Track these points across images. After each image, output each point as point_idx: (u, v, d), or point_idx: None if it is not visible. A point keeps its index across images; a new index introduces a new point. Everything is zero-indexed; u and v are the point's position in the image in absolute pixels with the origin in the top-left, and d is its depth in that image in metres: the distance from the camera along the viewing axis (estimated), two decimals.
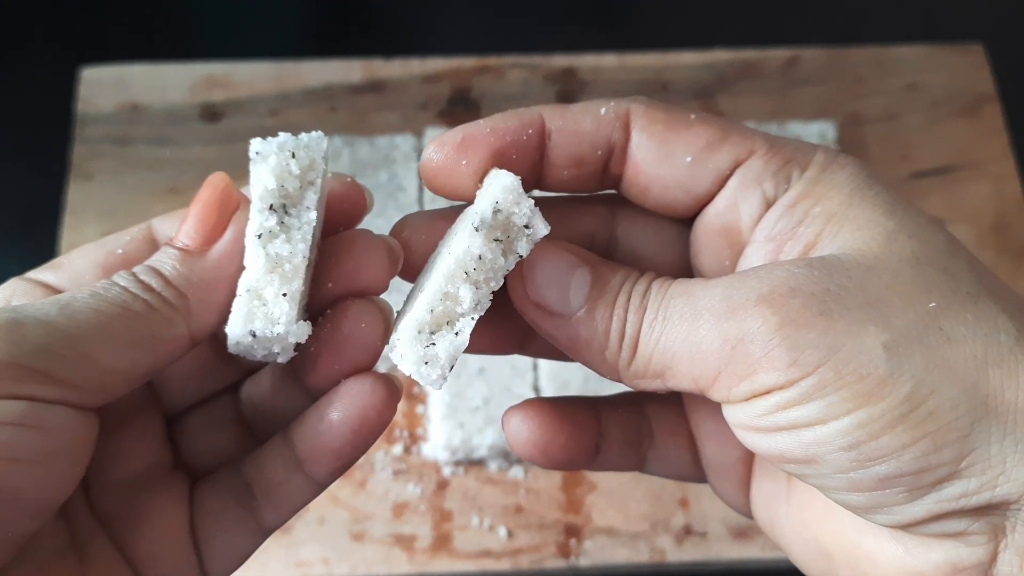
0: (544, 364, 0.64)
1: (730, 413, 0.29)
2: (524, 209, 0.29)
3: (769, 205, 0.30)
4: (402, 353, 0.29)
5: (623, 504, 0.63)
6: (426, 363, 0.29)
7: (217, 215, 0.30)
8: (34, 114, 0.78)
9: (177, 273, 0.29)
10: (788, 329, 0.26)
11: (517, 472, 0.63)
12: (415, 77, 0.77)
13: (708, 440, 0.35)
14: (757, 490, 0.35)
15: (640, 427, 0.36)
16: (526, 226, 0.29)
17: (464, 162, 0.30)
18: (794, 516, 0.33)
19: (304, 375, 0.31)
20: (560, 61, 0.78)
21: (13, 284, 0.31)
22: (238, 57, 0.77)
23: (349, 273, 0.31)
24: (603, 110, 0.31)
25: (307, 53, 0.78)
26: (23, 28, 0.82)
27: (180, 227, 0.30)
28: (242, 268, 0.30)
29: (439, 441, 0.62)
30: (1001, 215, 0.73)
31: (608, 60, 0.78)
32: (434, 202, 0.69)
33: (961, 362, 0.26)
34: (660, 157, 0.31)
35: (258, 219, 0.30)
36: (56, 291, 0.31)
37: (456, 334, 0.29)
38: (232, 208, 0.31)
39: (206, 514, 0.32)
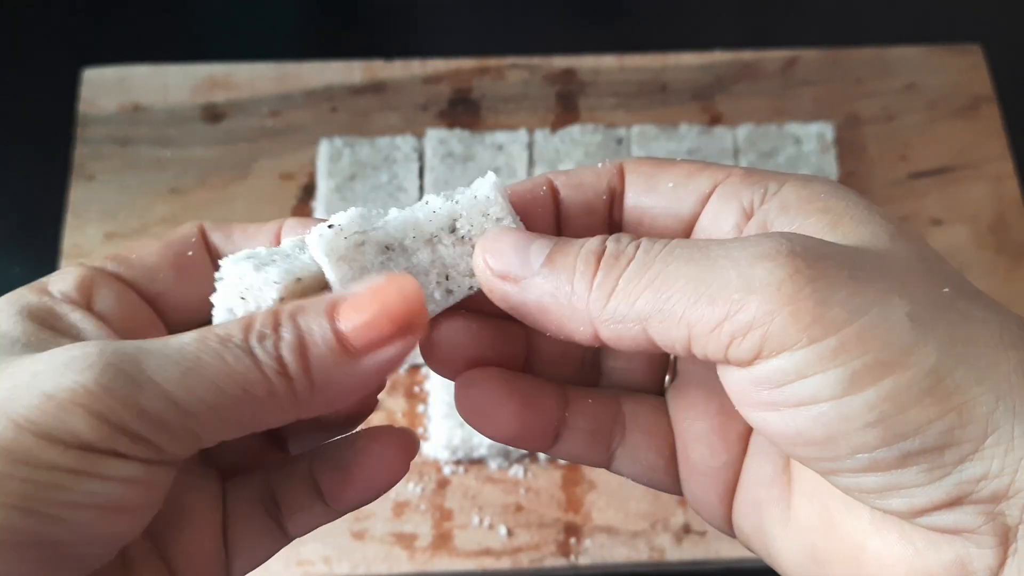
0: None
1: (734, 383, 0.27)
2: (501, 204, 0.31)
3: (747, 214, 0.30)
4: None
5: (623, 503, 0.63)
6: None
7: (392, 330, 0.27)
8: (36, 114, 0.78)
9: (322, 365, 0.27)
10: (820, 283, 0.25)
11: (517, 471, 0.64)
12: (416, 78, 0.77)
13: (695, 442, 0.34)
14: (744, 498, 0.33)
15: (612, 421, 0.34)
16: (499, 219, 0.31)
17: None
18: (792, 524, 0.32)
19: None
20: (560, 62, 0.78)
21: (89, 274, 0.30)
22: (239, 58, 0.78)
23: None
24: (600, 165, 0.33)
25: (308, 54, 0.78)
26: (24, 28, 0.82)
27: (352, 311, 0.27)
28: (381, 389, 0.30)
29: (439, 440, 0.62)
30: (999, 215, 0.74)
31: (608, 61, 0.78)
32: None
33: (982, 339, 0.25)
34: (647, 189, 0.32)
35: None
36: (130, 285, 0.31)
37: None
38: (410, 329, 0.27)
39: (238, 518, 0.32)
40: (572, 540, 0.62)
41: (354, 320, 0.27)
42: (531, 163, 0.71)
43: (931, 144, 0.76)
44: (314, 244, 0.29)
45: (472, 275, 0.31)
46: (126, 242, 0.70)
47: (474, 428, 0.33)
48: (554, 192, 0.33)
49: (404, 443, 0.33)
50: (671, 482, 0.35)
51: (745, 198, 0.30)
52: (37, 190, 0.75)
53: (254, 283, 0.29)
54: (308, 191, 0.73)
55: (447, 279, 0.31)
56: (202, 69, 0.77)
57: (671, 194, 0.32)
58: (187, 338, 0.26)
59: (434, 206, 0.31)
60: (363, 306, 0.27)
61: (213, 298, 0.30)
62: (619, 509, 0.63)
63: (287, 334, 0.27)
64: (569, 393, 0.34)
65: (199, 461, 0.33)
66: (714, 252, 0.27)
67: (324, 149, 0.72)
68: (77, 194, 0.72)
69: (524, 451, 0.63)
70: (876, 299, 0.25)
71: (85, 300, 0.30)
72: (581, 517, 0.63)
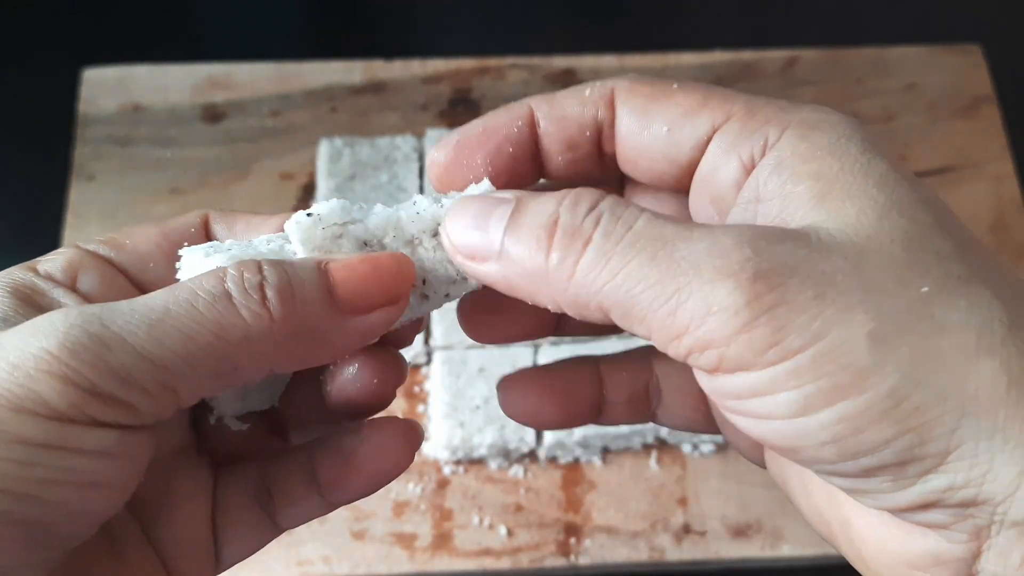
0: (544, 363, 0.64)
1: (703, 383, 0.27)
2: None
3: (747, 169, 0.29)
4: None
5: (623, 503, 0.63)
6: None
7: (381, 292, 0.28)
8: (36, 115, 0.78)
9: (308, 311, 0.26)
10: (780, 310, 0.25)
11: (517, 471, 0.64)
12: (415, 78, 0.77)
13: None
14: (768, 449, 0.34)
15: (647, 387, 0.35)
16: None
17: (464, 162, 0.31)
18: (800, 479, 0.32)
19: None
20: (560, 62, 0.78)
21: (78, 254, 0.30)
22: (239, 58, 0.78)
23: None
24: (588, 91, 0.31)
25: (308, 54, 0.78)
26: (24, 28, 0.82)
27: (344, 271, 0.27)
28: (353, 350, 0.29)
29: (439, 440, 0.62)
30: (999, 215, 0.74)
31: (608, 61, 0.78)
32: None
33: (951, 353, 0.25)
34: (640, 129, 0.30)
35: None
36: (119, 269, 0.30)
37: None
38: (395, 299, 0.28)
39: (228, 507, 0.32)
40: (572, 540, 0.62)
41: (344, 275, 0.27)
42: None
43: (931, 144, 0.76)
44: (291, 230, 0.29)
45: (451, 283, 0.30)
46: None
47: (524, 425, 0.35)
48: (533, 125, 0.31)
49: (409, 433, 0.32)
50: (712, 428, 0.35)
51: (744, 151, 0.29)
52: (37, 190, 0.75)
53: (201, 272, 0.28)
54: (308, 191, 0.73)
55: (423, 283, 0.30)
56: (202, 69, 0.77)
57: (666, 139, 0.30)
58: (156, 292, 0.26)
59: (420, 207, 0.30)
60: (355, 265, 0.28)
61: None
62: (619, 509, 0.63)
63: (273, 276, 0.26)
64: (602, 368, 0.35)
65: (192, 448, 0.32)
66: (679, 253, 0.25)
67: (324, 149, 0.72)
68: (77, 194, 0.72)
69: (524, 451, 0.63)
70: (837, 319, 0.25)
71: (70, 280, 0.29)
72: (581, 517, 0.63)
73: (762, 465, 0.35)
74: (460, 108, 0.76)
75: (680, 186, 0.31)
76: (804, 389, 0.25)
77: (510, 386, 0.34)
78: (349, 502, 0.32)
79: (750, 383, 0.25)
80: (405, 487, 0.63)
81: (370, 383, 0.31)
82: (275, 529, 0.33)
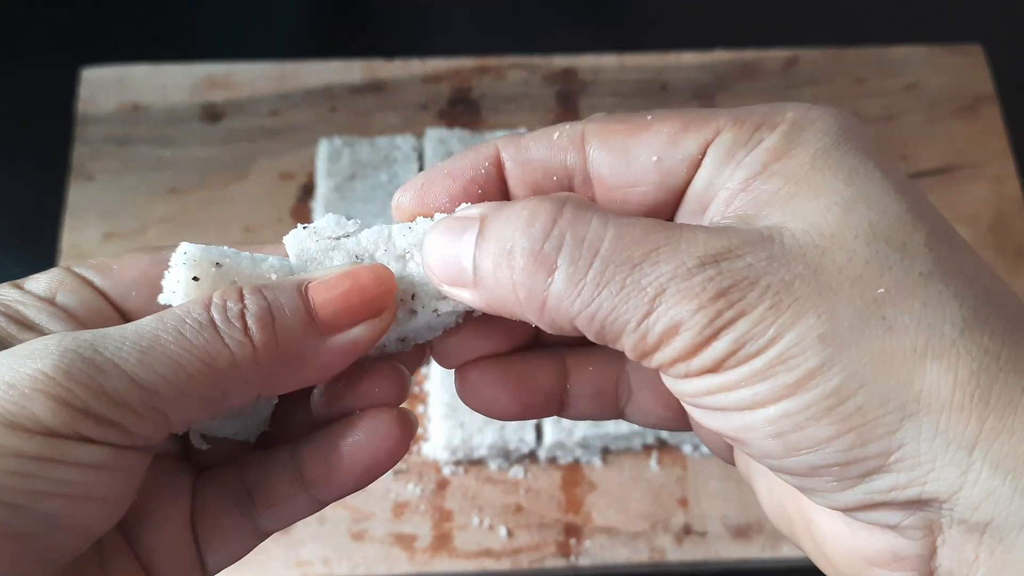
0: None
1: (668, 385, 0.28)
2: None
3: (751, 179, 0.29)
4: None
5: (623, 504, 0.63)
6: None
7: (362, 307, 0.28)
8: (35, 114, 0.78)
9: (290, 336, 0.27)
10: (740, 323, 0.26)
11: (517, 472, 0.64)
12: (415, 77, 0.77)
13: None
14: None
15: (617, 381, 0.35)
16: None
17: (431, 204, 0.31)
18: (763, 477, 0.33)
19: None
20: (560, 61, 0.78)
21: (61, 275, 0.30)
22: (239, 57, 0.77)
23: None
24: (556, 135, 0.31)
25: (307, 53, 0.78)
26: (23, 28, 0.82)
27: (324, 289, 0.28)
28: (342, 369, 0.29)
29: (439, 441, 0.62)
30: (1000, 215, 0.73)
31: (608, 60, 0.78)
32: None
33: (899, 355, 0.25)
34: (625, 165, 0.30)
35: None
36: (101, 293, 0.30)
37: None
38: (379, 309, 0.29)
39: (208, 512, 0.31)
40: (572, 541, 0.62)
41: (324, 295, 0.28)
42: None
43: (932, 144, 0.76)
44: (288, 242, 0.30)
45: (440, 298, 0.30)
46: (125, 242, 0.70)
47: (478, 412, 0.34)
48: (500, 166, 0.31)
49: (401, 422, 0.31)
50: (682, 426, 0.36)
51: (741, 157, 0.29)
52: (36, 189, 0.75)
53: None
54: (307, 191, 0.73)
55: (412, 299, 0.30)
56: (201, 68, 0.77)
57: (656, 168, 0.30)
58: (145, 320, 0.26)
59: (412, 223, 0.30)
60: (334, 283, 0.28)
61: (161, 297, 0.29)
62: (619, 510, 0.63)
63: (254, 304, 0.27)
64: (569, 363, 0.35)
65: (173, 454, 0.32)
66: (646, 279, 0.26)
67: (323, 149, 0.72)
68: (76, 194, 0.72)
69: (524, 452, 0.63)
70: (791, 324, 0.25)
71: (50, 297, 0.30)
72: (581, 518, 0.63)
73: (731, 461, 0.35)
74: (460, 108, 0.76)
75: (669, 212, 0.31)
76: (755, 388, 0.26)
77: (467, 374, 0.33)
78: (337, 499, 0.32)
79: (708, 384, 0.27)
80: (405, 488, 0.63)
81: (370, 391, 0.31)
82: (259, 534, 0.32)
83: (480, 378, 0.33)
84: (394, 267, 0.30)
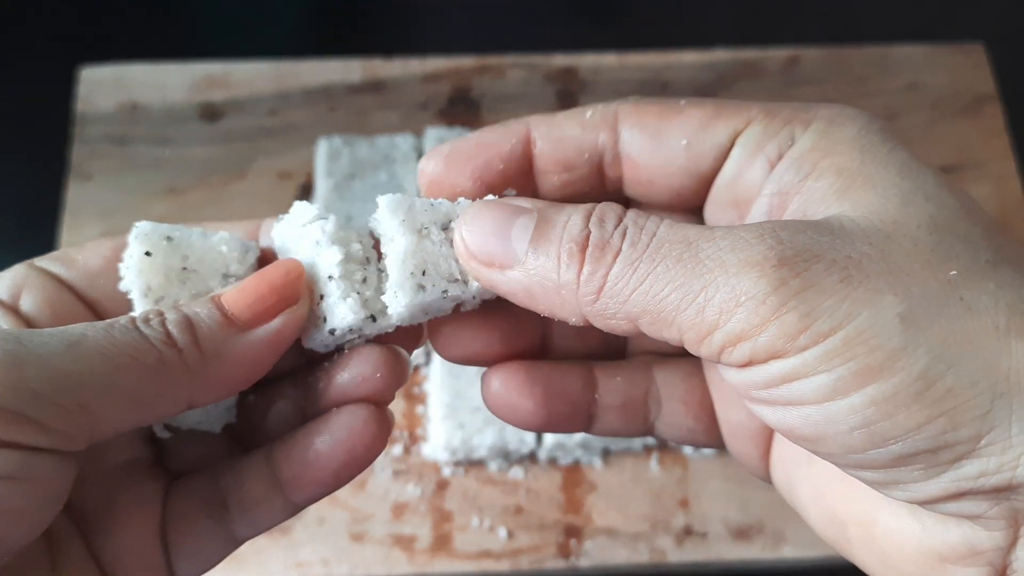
0: None
1: (729, 376, 0.27)
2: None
3: (774, 166, 0.29)
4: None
5: (623, 504, 0.63)
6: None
7: (276, 299, 0.29)
8: (33, 113, 0.77)
9: (210, 337, 0.28)
10: (808, 294, 0.25)
11: (517, 472, 0.63)
12: (415, 77, 0.77)
13: (729, 406, 0.34)
14: (777, 455, 0.34)
15: (646, 393, 0.34)
16: None
17: (454, 173, 0.31)
18: (812, 483, 0.32)
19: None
20: (560, 61, 0.78)
21: (24, 272, 0.30)
22: (237, 57, 0.77)
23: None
24: (589, 114, 0.31)
25: (306, 53, 0.78)
26: (22, 27, 0.82)
27: (235, 292, 0.29)
28: (274, 361, 0.29)
29: (439, 441, 0.62)
30: (1002, 215, 0.73)
31: (608, 60, 0.78)
32: None
33: (982, 334, 0.25)
34: (656, 147, 0.30)
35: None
36: (67, 286, 0.30)
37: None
38: (293, 298, 0.29)
39: (178, 520, 0.31)
40: (572, 542, 0.62)
41: (236, 297, 0.28)
42: None
43: (934, 143, 0.76)
44: (272, 237, 0.32)
45: (451, 281, 0.30)
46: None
47: (503, 420, 0.33)
48: (528, 143, 0.31)
49: (377, 418, 0.30)
50: (713, 441, 0.35)
51: (771, 150, 0.29)
52: (35, 189, 0.74)
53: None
54: (306, 190, 0.72)
55: (423, 274, 0.30)
56: (200, 68, 0.77)
57: (685, 152, 0.30)
58: (76, 324, 0.26)
59: (437, 200, 0.31)
60: (244, 286, 0.29)
61: (120, 284, 0.30)
62: (620, 511, 0.63)
63: (172, 315, 0.28)
64: (597, 373, 0.34)
65: (145, 461, 0.32)
66: (703, 253, 0.26)
67: (323, 148, 0.71)
68: (74, 193, 0.72)
69: (524, 453, 0.63)
70: (867, 301, 0.25)
71: (13, 301, 0.29)
72: (581, 519, 0.62)
73: (765, 476, 0.34)
74: (460, 107, 0.76)
75: (695, 200, 0.31)
76: (835, 372, 0.24)
77: (494, 376, 0.33)
78: (314, 500, 0.31)
79: (781, 369, 0.25)
80: (404, 488, 0.63)
81: (371, 376, 0.30)
82: (232, 541, 0.31)
83: (504, 383, 0.33)
84: (409, 240, 0.30)
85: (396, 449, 0.64)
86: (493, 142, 0.31)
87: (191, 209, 0.71)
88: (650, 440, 0.64)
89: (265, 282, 0.29)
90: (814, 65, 0.78)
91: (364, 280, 0.30)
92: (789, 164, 0.28)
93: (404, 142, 0.72)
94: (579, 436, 0.62)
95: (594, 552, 0.62)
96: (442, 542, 0.61)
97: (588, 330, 0.32)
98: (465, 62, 0.78)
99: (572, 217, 0.28)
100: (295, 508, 0.31)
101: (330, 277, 0.30)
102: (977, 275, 0.25)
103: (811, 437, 0.26)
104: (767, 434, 0.34)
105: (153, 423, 0.28)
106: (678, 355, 0.35)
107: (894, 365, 0.24)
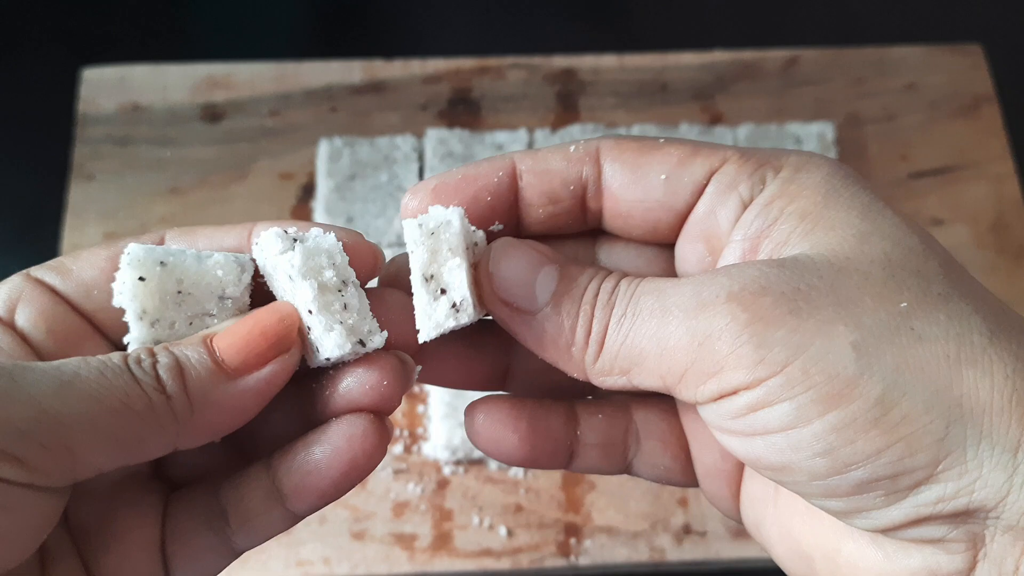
0: None
1: (704, 413, 0.29)
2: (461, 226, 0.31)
3: (746, 206, 0.30)
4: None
5: (623, 503, 0.63)
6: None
7: (267, 347, 0.28)
8: (35, 114, 0.78)
9: (199, 385, 0.27)
10: (757, 326, 0.26)
11: (517, 472, 0.64)
12: (415, 78, 0.77)
13: (703, 447, 0.35)
14: (746, 493, 0.35)
15: (625, 432, 0.35)
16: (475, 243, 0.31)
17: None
18: (779, 519, 0.33)
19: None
20: (560, 61, 0.78)
21: (19, 284, 0.30)
22: (239, 58, 0.77)
23: (384, 328, 0.30)
24: (573, 148, 0.32)
25: (308, 54, 0.78)
26: (24, 28, 0.82)
27: (227, 336, 0.28)
28: (261, 408, 0.29)
29: (439, 440, 0.62)
30: (1000, 215, 0.73)
31: (608, 60, 0.78)
32: None
33: (933, 362, 0.25)
34: (635, 180, 0.31)
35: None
36: (62, 297, 0.30)
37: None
38: (285, 346, 0.29)
39: (178, 533, 0.31)
40: (572, 540, 0.62)
41: (227, 341, 0.28)
42: None
43: (932, 144, 0.76)
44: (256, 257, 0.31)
45: (453, 304, 0.30)
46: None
47: (487, 455, 0.34)
48: (514, 176, 0.32)
49: (378, 425, 0.30)
50: (688, 481, 0.36)
51: (744, 190, 0.30)
52: (37, 190, 0.75)
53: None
54: (308, 191, 0.73)
55: (441, 292, 0.30)
56: (202, 69, 0.77)
57: (663, 186, 0.31)
58: (71, 359, 0.26)
59: (423, 215, 0.31)
60: (236, 330, 0.28)
61: (114, 301, 0.29)
62: (619, 510, 0.63)
63: (163, 358, 0.27)
64: (579, 411, 0.35)
65: (144, 474, 0.31)
66: (670, 301, 0.28)
67: (324, 149, 0.72)
68: (77, 194, 0.72)
69: None
70: (817, 331, 0.26)
71: (9, 315, 0.29)
72: (581, 517, 0.63)
73: (736, 516, 0.35)
74: (460, 108, 0.76)
75: (670, 236, 0.32)
76: (797, 400, 0.26)
77: (477, 410, 0.34)
78: (315, 510, 0.31)
79: (748, 400, 0.27)
80: (405, 487, 0.63)
81: (378, 384, 0.30)
82: (232, 553, 0.31)
83: (489, 417, 0.34)
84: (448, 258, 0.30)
85: (397, 448, 0.64)
86: (480, 175, 0.32)
87: (192, 209, 0.72)
88: None
89: (258, 329, 0.28)
90: (813, 66, 0.78)
91: (345, 307, 0.30)
92: (758, 210, 0.29)
93: (405, 143, 0.72)
94: None
95: (594, 551, 0.62)
96: (442, 541, 0.62)
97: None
98: (465, 63, 0.78)
99: (592, 281, 0.29)
100: (295, 518, 0.31)
101: (309, 311, 0.29)
102: (928, 307, 0.26)
103: (777, 466, 0.27)
104: (737, 475, 0.35)
105: (137, 463, 0.27)
106: (654, 395, 0.35)
107: (852, 392, 0.25)
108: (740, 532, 0.62)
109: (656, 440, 0.35)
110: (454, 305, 0.30)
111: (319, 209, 0.70)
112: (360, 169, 0.71)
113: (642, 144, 0.31)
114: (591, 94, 0.77)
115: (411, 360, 0.31)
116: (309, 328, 0.29)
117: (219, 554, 0.31)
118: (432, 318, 0.30)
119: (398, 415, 0.65)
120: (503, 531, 0.62)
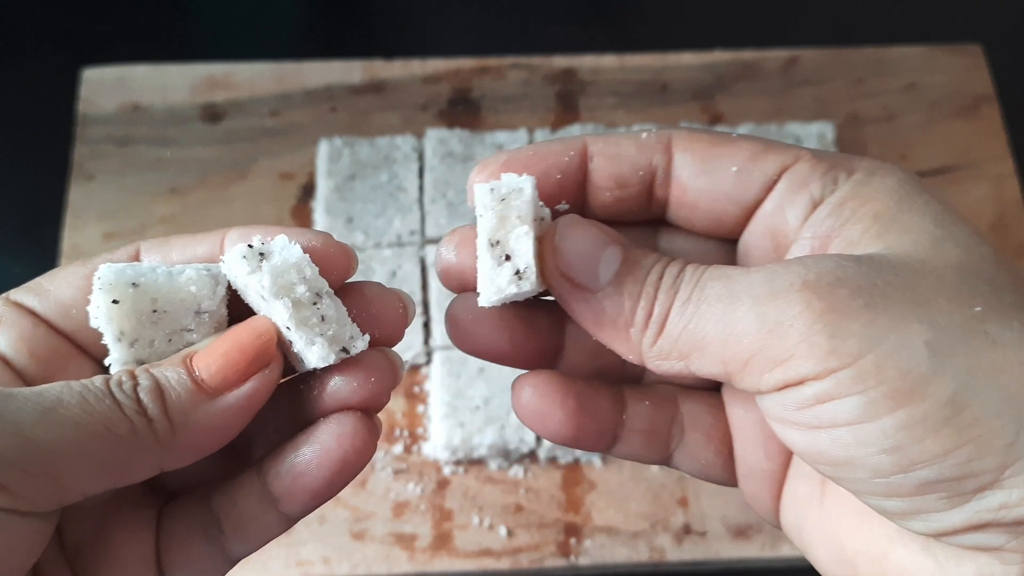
0: None
1: (765, 403, 0.28)
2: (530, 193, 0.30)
3: (816, 206, 0.30)
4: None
5: (623, 503, 0.63)
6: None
7: (246, 364, 0.28)
8: (35, 114, 0.78)
9: (180, 406, 0.27)
10: (831, 316, 0.25)
11: (517, 471, 0.64)
12: (415, 78, 0.77)
13: (748, 444, 0.34)
14: (789, 493, 0.34)
15: (671, 422, 0.34)
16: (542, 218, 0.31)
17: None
18: (823, 521, 0.32)
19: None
20: (560, 62, 0.78)
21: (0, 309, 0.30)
22: (239, 58, 0.77)
23: (366, 324, 0.30)
24: (645, 135, 0.32)
25: (308, 54, 0.78)
26: (24, 28, 0.82)
27: (206, 355, 0.28)
28: (246, 424, 0.29)
29: (439, 440, 0.62)
30: (1000, 215, 0.73)
31: (608, 61, 0.78)
32: (433, 203, 0.69)
33: (1007, 367, 0.25)
34: (705, 170, 0.31)
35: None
36: (42, 319, 0.30)
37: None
38: (264, 362, 0.29)
39: (173, 543, 0.30)
40: (572, 540, 0.62)
41: (206, 360, 0.28)
42: None
43: (932, 144, 0.76)
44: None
45: (528, 266, 0.30)
46: (126, 242, 0.70)
47: (532, 430, 0.33)
48: (584, 156, 0.32)
49: (367, 422, 0.30)
50: (728, 478, 0.35)
51: (815, 189, 0.30)
52: (37, 190, 0.75)
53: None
54: (308, 191, 0.73)
55: (506, 258, 0.30)
56: (202, 69, 0.77)
57: (733, 179, 0.31)
58: (53, 384, 0.26)
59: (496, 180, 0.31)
60: (216, 348, 0.28)
61: (91, 322, 0.29)
62: (619, 509, 0.63)
63: (144, 380, 0.27)
64: (626, 395, 0.34)
65: (137, 486, 0.31)
66: (738, 288, 0.27)
67: (324, 149, 0.72)
68: (77, 194, 0.72)
69: (524, 452, 0.63)
70: (892, 327, 0.25)
71: None
72: (581, 517, 0.63)
73: (773, 518, 0.35)
74: (460, 108, 0.76)
75: (734, 230, 0.32)
76: (868, 394, 0.25)
77: (526, 383, 0.33)
78: (308, 512, 0.31)
79: (815, 391, 0.26)
80: (405, 487, 0.63)
81: (365, 382, 0.30)
82: (228, 561, 0.31)
83: (536, 391, 0.33)
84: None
85: (397, 448, 0.64)
86: (551, 153, 0.32)
87: (193, 209, 0.72)
88: None
89: (237, 346, 0.28)
90: (813, 66, 0.79)
91: (323, 319, 0.29)
92: (830, 210, 0.29)
93: (405, 143, 0.72)
94: None
95: (594, 551, 0.62)
96: (442, 541, 0.62)
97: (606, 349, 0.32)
98: (465, 63, 0.78)
99: (657, 264, 0.29)
100: (289, 521, 0.31)
101: (287, 328, 0.29)
102: (1001, 313, 0.26)
103: (839, 460, 0.27)
104: (780, 475, 0.34)
105: (122, 486, 0.27)
106: (702, 388, 0.35)
107: (924, 390, 0.25)
108: (740, 532, 0.63)
109: (700, 433, 0.34)
110: (517, 272, 0.30)
111: (319, 209, 0.70)
112: (360, 169, 0.71)
113: (714, 136, 0.31)
114: (591, 94, 0.77)
115: (397, 355, 0.31)
116: (291, 343, 0.29)
117: (215, 563, 0.31)
118: (494, 283, 0.30)
119: (398, 415, 0.65)
120: (503, 531, 0.62)
